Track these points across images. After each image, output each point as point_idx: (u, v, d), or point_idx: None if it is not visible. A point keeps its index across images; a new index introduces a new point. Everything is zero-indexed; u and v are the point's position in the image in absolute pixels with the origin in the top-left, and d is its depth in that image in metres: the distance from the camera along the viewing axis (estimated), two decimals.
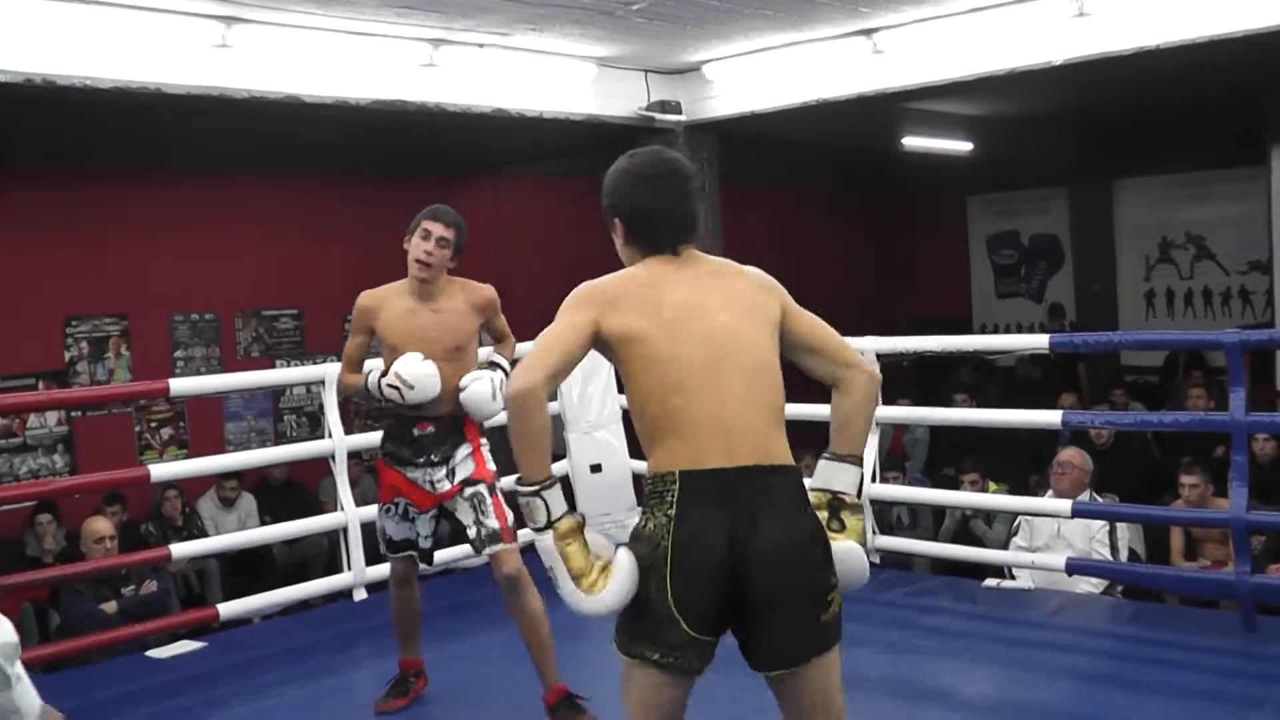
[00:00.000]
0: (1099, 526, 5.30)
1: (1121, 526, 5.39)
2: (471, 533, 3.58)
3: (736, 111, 7.33)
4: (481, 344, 3.86)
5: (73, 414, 8.06)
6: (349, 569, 5.04)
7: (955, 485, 6.91)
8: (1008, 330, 13.66)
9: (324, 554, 7.48)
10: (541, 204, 10.28)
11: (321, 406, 5.25)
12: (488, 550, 3.54)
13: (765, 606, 2.19)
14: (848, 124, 8.54)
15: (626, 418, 5.85)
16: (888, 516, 6.76)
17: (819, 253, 13.05)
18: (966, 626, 4.60)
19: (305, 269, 9.18)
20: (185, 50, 5.28)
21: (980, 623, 4.64)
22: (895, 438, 8.80)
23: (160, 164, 8.23)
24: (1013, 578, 5.22)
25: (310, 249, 9.20)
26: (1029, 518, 5.47)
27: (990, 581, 5.11)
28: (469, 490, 3.60)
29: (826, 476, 2.40)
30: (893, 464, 7.07)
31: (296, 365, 8.74)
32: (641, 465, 5.90)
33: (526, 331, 3.30)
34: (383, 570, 5.36)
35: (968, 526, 6.59)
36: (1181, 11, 5.58)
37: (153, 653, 4.58)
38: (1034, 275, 13.94)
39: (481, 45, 6.21)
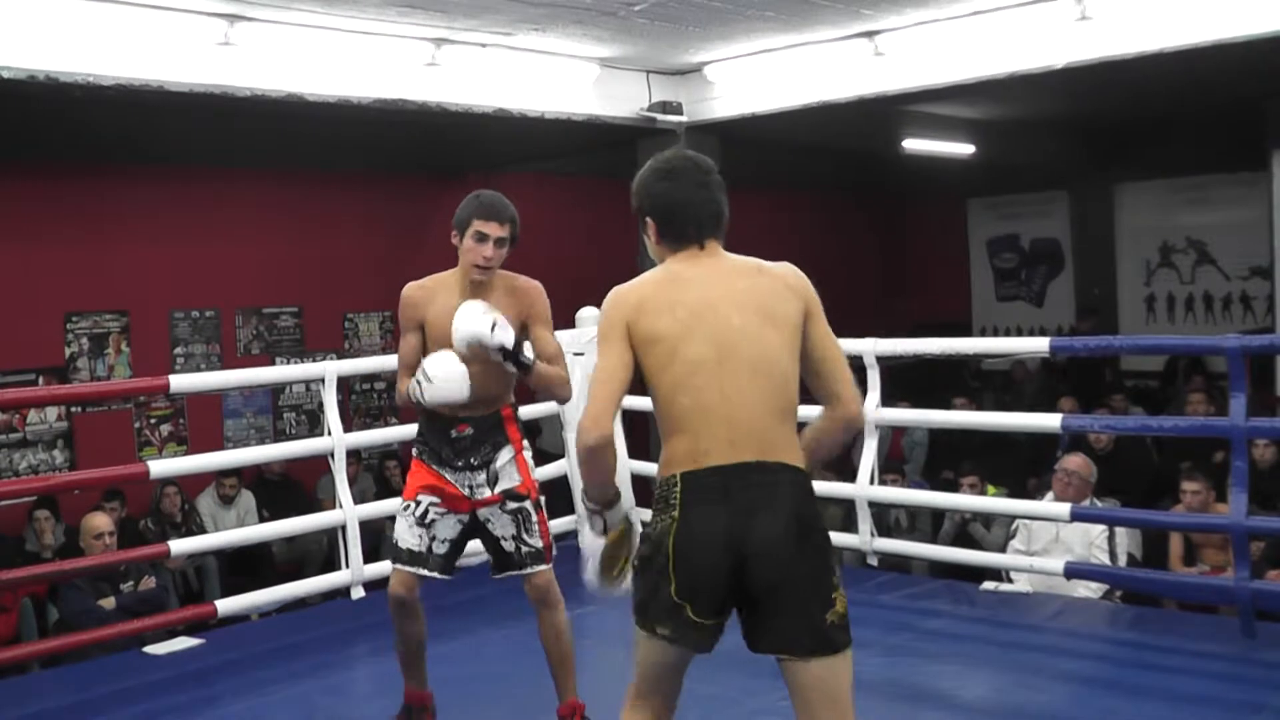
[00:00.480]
0: (1098, 531, 5.30)
1: (1120, 531, 5.39)
2: (509, 546, 3.36)
3: (738, 113, 7.34)
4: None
5: (72, 410, 8.06)
6: (347, 567, 5.04)
7: (954, 488, 6.91)
8: (1008, 333, 13.67)
9: (322, 551, 7.49)
10: (543, 204, 10.26)
11: (321, 404, 5.25)
12: (528, 570, 3.35)
13: (763, 595, 2.31)
14: (849, 126, 8.54)
15: (626, 417, 5.86)
16: (886, 519, 6.75)
17: (819, 255, 12.95)
18: (964, 630, 4.60)
19: (306, 267, 9.19)
20: (188, 48, 5.29)
21: (978, 626, 4.63)
22: (893, 441, 8.80)
23: (162, 161, 8.23)
24: (1010, 581, 5.22)
25: (311, 247, 9.20)
26: (1028, 521, 5.47)
27: (988, 585, 5.11)
28: (512, 504, 3.37)
29: None
30: (891, 467, 7.07)
31: (296, 363, 8.75)
32: (640, 465, 5.94)
33: None
34: (381, 568, 5.38)
35: (966, 530, 6.59)
36: (1183, 16, 5.58)
37: (150, 649, 4.58)
38: (1034, 279, 13.94)
39: (484, 45, 6.22)
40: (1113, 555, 5.30)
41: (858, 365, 5.17)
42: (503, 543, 3.36)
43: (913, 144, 9.89)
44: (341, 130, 7.51)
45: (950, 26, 6.17)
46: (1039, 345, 5.63)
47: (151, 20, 5.13)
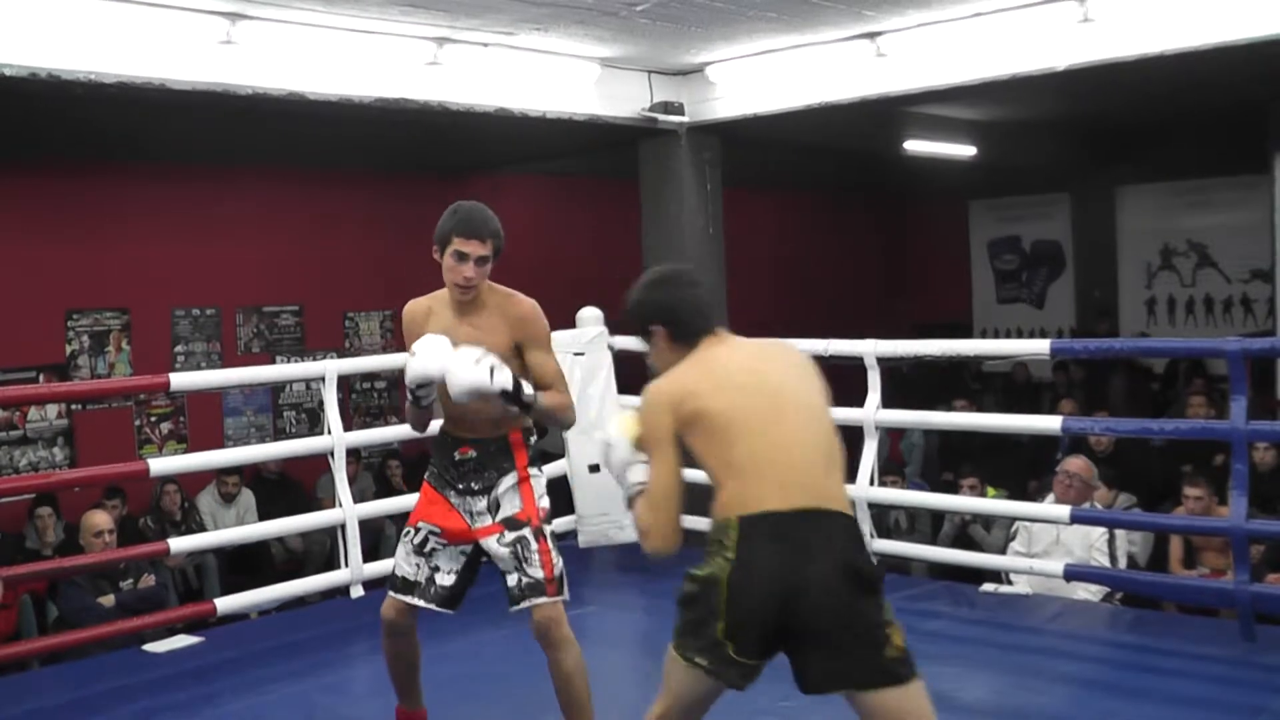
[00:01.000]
0: (1098, 533, 5.30)
1: (1120, 534, 5.39)
2: (511, 580, 3.14)
3: (739, 113, 7.33)
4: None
5: (73, 407, 8.06)
6: (346, 565, 5.04)
7: (954, 490, 6.91)
8: (1008, 335, 13.67)
9: (324, 549, 7.49)
10: (543, 204, 10.28)
11: (321, 403, 5.25)
12: (527, 603, 3.12)
13: (813, 639, 2.35)
14: (850, 127, 8.54)
15: None
16: (886, 520, 6.76)
17: (820, 256, 13.06)
18: (964, 631, 4.60)
19: (307, 266, 9.19)
20: (190, 46, 5.29)
21: (978, 628, 4.63)
22: (892, 443, 8.80)
23: (163, 159, 8.24)
24: (1010, 583, 5.21)
25: (312, 246, 9.20)
26: (1028, 523, 5.47)
27: (988, 586, 5.11)
28: (511, 534, 3.16)
29: None
30: (891, 468, 7.07)
31: (297, 361, 8.75)
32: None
33: None
34: (380, 567, 5.38)
35: (966, 531, 6.59)
36: (1186, 19, 5.58)
37: (149, 647, 4.57)
38: (1035, 281, 13.94)
39: (485, 45, 6.21)
40: (1113, 558, 5.29)
41: (858, 366, 5.17)
42: (506, 577, 3.17)
43: (914, 145, 9.89)
44: (343, 129, 7.51)
45: (952, 28, 6.17)
46: (1039, 347, 5.64)
47: (153, 18, 5.13)
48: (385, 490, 8.16)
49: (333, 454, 5.10)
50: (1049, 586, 5.09)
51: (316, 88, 5.78)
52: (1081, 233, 13.32)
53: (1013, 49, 6.10)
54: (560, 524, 5.59)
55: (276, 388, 9.11)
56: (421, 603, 3.23)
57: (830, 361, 5.34)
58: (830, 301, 12.38)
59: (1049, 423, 5.28)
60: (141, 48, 5.15)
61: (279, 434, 9.08)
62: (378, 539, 7.59)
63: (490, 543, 3.19)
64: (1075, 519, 4.85)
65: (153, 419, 8.53)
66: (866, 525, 5.20)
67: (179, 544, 5.10)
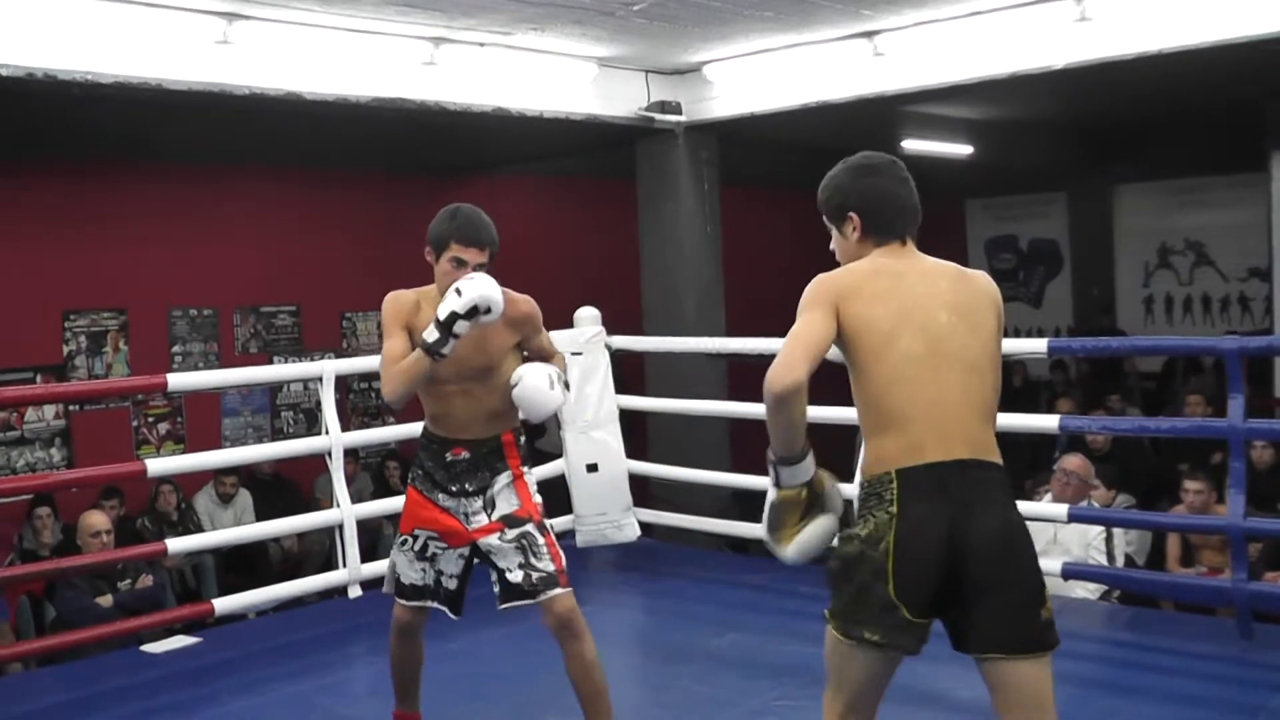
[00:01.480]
0: (1096, 532, 5.30)
1: (1118, 532, 5.39)
2: (515, 577, 3.11)
3: (736, 112, 7.34)
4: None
5: (70, 408, 8.05)
6: (344, 566, 5.03)
7: None
8: (1006, 334, 13.65)
9: (322, 549, 7.49)
10: (541, 204, 10.28)
11: (319, 403, 5.25)
12: (543, 596, 3.09)
13: (981, 592, 2.27)
14: (848, 126, 8.52)
15: (624, 417, 5.86)
16: None
17: (818, 254, 12.99)
18: None
19: (304, 266, 9.18)
20: (187, 46, 5.28)
21: None
22: None
23: (160, 159, 8.23)
24: None
25: (309, 246, 9.20)
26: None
27: None
28: (513, 531, 3.14)
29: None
30: None
31: (294, 362, 8.74)
32: (638, 465, 5.94)
33: None
34: (378, 567, 5.38)
35: None
36: (1183, 17, 5.58)
37: (147, 647, 4.57)
38: (1032, 280, 13.96)
39: (482, 44, 6.21)
40: (1110, 556, 5.30)
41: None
42: (508, 574, 3.12)
43: (911, 144, 9.89)
44: (340, 129, 7.51)
45: (949, 27, 6.17)
46: (1037, 346, 5.63)
47: (150, 18, 5.13)
48: (383, 490, 8.16)
49: (330, 454, 5.10)
50: (1047, 585, 5.08)
51: (313, 88, 5.78)
52: (1079, 232, 13.33)
53: (1010, 48, 6.11)
54: (558, 524, 5.59)
55: (274, 388, 9.11)
56: (434, 604, 3.23)
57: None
58: None
59: (1046, 421, 5.28)
60: (138, 48, 5.15)
61: (277, 434, 9.08)
62: (375, 539, 7.58)
63: (491, 541, 3.15)
64: (1073, 517, 4.85)
65: (150, 419, 8.53)
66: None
67: (177, 544, 5.10)
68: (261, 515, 7.46)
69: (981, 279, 2.52)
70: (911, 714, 3.78)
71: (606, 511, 5.62)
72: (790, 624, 4.65)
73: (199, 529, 7.34)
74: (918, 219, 2.52)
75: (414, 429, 6.78)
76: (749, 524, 6.34)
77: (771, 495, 2.45)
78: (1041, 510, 5.24)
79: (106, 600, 5.53)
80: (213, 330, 8.84)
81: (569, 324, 5.69)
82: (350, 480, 6.56)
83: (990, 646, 2.30)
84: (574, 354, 5.56)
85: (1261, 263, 10.65)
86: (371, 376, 9.56)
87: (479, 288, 2.96)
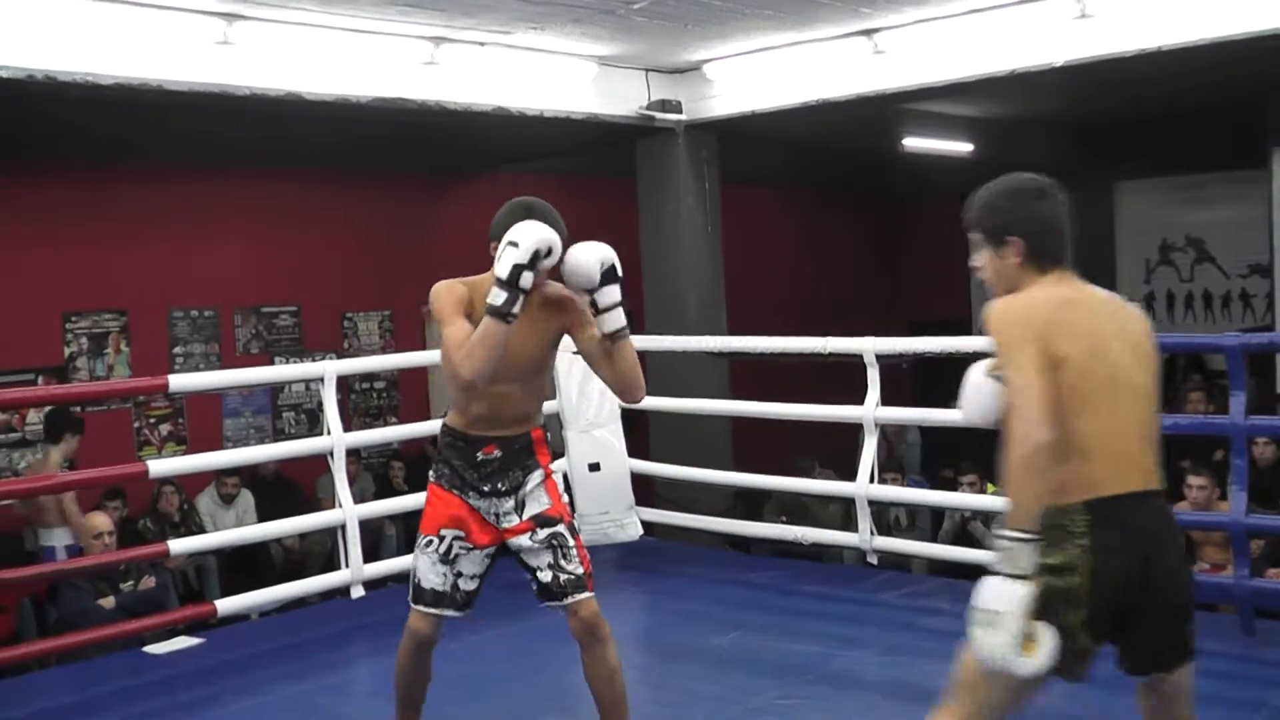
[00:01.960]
0: None
1: None
2: (545, 577, 3.05)
3: (737, 111, 7.33)
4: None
5: (72, 410, 8.04)
6: (346, 566, 5.04)
7: (954, 487, 6.91)
8: None
9: (324, 550, 7.48)
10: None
11: (320, 404, 5.25)
12: (570, 600, 3.04)
13: (1156, 619, 2.34)
14: (848, 124, 8.53)
15: (626, 416, 5.86)
16: (886, 518, 6.76)
17: (818, 252, 13.05)
18: (964, 628, 4.58)
19: (305, 266, 9.18)
20: (187, 47, 5.28)
21: None
22: (888, 448, 8.80)
23: (161, 160, 8.23)
24: None
25: (310, 246, 9.20)
26: None
27: None
28: (544, 531, 3.08)
29: None
30: (891, 465, 7.08)
31: (295, 362, 8.74)
32: (640, 464, 5.95)
33: None
34: (380, 568, 5.39)
35: (966, 528, 6.59)
36: (1183, 14, 5.58)
37: (150, 648, 4.58)
38: None
39: (482, 44, 6.21)
40: None
41: (857, 364, 5.17)
42: (539, 573, 3.07)
43: (912, 142, 9.89)
44: (340, 129, 7.50)
45: (949, 24, 6.17)
46: None
47: (150, 19, 5.13)
48: (386, 491, 8.16)
49: (332, 454, 5.10)
50: None
51: (314, 88, 5.78)
52: (1079, 228, 13.08)
53: (1010, 45, 6.11)
54: None
55: (275, 389, 9.11)
56: (451, 612, 3.14)
57: (829, 359, 5.36)
58: (829, 298, 12.39)
59: None
60: (138, 49, 5.15)
61: (278, 435, 9.08)
62: (378, 539, 7.59)
63: (521, 540, 3.09)
64: None
65: (152, 421, 8.53)
66: (867, 522, 5.21)
67: (179, 545, 5.10)
68: (264, 516, 7.46)
69: (1136, 309, 2.53)
70: (913, 712, 3.78)
71: (609, 510, 5.62)
72: (792, 623, 4.66)
73: (201, 530, 7.34)
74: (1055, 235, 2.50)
75: (415, 429, 6.84)
76: (751, 523, 6.36)
77: (1015, 591, 2.23)
78: None
79: (109, 602, 5.53)
80: (214, 331, 8.85)
81: None
82: (351, 481, 6.56)
83: (1166, 663, 2.41)
84: (575, 352, 5.55)
85: (1262, 259, 10.63)
86: (372, 377, 9.59)
87: (534, 231, 2.84)
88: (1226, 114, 9.71)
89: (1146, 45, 5.70)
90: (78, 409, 7.91)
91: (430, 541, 3.12)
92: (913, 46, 6.40)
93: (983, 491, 6.61)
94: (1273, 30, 5.36)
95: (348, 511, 5.04)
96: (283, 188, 9.06)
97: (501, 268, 2.84)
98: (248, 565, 7.35)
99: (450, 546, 3.11)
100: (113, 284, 8.26)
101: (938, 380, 11.25)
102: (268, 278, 9.05)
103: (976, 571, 5.66)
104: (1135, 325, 2.45)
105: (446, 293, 3.02)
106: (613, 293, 3.00)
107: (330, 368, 5.18)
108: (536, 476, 3.13)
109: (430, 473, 3.21)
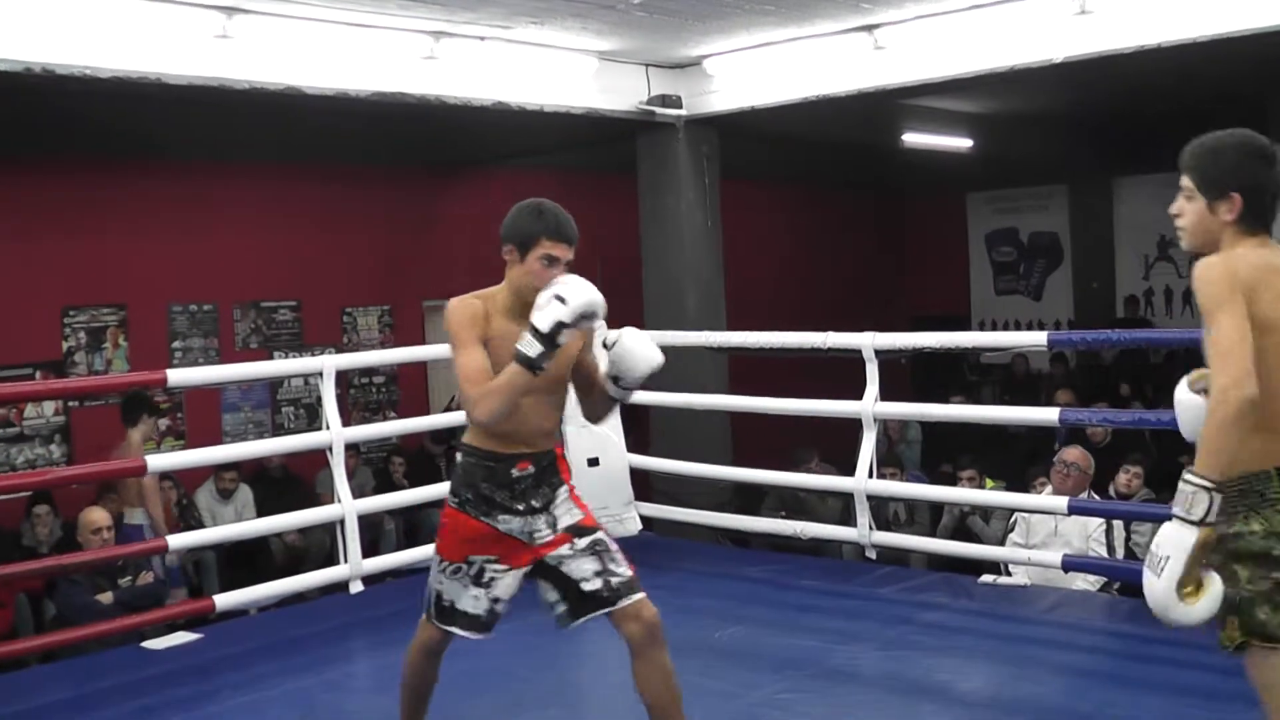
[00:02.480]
0: (1096, 524, 5.31)
1: (1118, 525, 5.40)
2: (593, 585, 2.94)
3: (737, 106, 7.33)
4: None
5: (70, 404, 8.05)
6: (345, 561, 5.03)
7: (953, 482, 6.91)
8: (1006, 327, 13.67)
9: (323, 546, 7.48)
10: (541, 197, 10.26)
11: (319, 398, 5.25)
12: (625, 602, 2.93)
13: None
14: (848, 120, 8.53)
15: (625, 411, 5.85)
16: (885, 512, 6.76)
17: (819, 248, 13.05)
18: (963, 623, 4.60)
19: (304, 261, 9.18)
20: (186, 40, 5.28)
21: (977, 619, 4.64)
22: (888, 445, 8.80)
23: (160, 154, 8.22)
24: (1009, 574, 5.22)
25: (309, 241, 9.20)
26: (1026, 515, 5.48)
27: (986, 578, 5.12)
28: (584, 539, 2.99)
29: None
30: (890, 460, 7.08)
31: (294, 357, 8.74)
32: (637, 459, 5.94)
33: None
34: (379, 563, 5.39)
35: (965, 523, 6.60)
36: (1183, 10, 5.58)
37: (148, 644, 4.57)
38: (1033, 273, 13.95)
39: (482, 38, 6.21)
40: (1110, 548, 5.30)
41: (856, 359, 5.17)
42: (583, 584, 2.95)
43: (912, 138, 9.89)
44: (340, 123, 7.50)
45: (949, 20, 6.17)
46: (1037, 339, 5.64)
47: (149, 13, 5.13)
48: (386, 485, 8.16)
49: (331, 449, 5.09)
50: (1047, 577, 5.10)
51: (313, 82, 5.77)
52: (1079, 225, 13.33)
53: (1010, 41, 6.11)
54: None
55: (274, 383, 9.11)
56: (478, 635, 3.03)
57: (828, 354, 5.36)
58: (828, 294, 12.38)
59: (1046, 414, 5.28)
60: (137, 42, 5.14)
61: (277, 430, 9.07)
62: (377, 534, 7.58)
63: (561, 551, 2.98)
64: (1073, 510, 4.85)
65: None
66: (865, 517, 5.21)
67: (178, 540, 5.10)
68: (270, 512, 7.44)
69: None
70: (912, 706, 3.79)
71: (608, 505, 5.62)
72: (791, 617, 4.66)
73: (200, 525, 7.33)
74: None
75: (414, 424, 6.81)
76: (750, 518, 6.36)
77: (1185, 537, 2.22)
78: (1042, 503, 5.25)
79: (107, 597, 5.52)
80: (213, 325, 8.84)
81: None
82: (351, 475, 6.56)
83: None
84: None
85: None
86: (372, 372, 9.58)
87: (584, 292, 2.78)
88: (1225, 110, 9.66)
89: (1146, 42, 5.70)
90: (75, 403, 7.92)
91: (459, 568, 2.99)
92: (913, 42, 6.39)
93: (981, 486, 6.62)
94: (1272, 27, 5.36)
95: (346, 506, 5.04)
96: (282, 182, 9.06)
97: (543, 320, 2.76)
98: (248, 561, 7.34)
99: (482, 570, 2.99)
100: (111, 278, 8.26)
101: (937, 376, 11.29)
102: (267, 272, 9.05)
103: (975, 566, 5.70)
104: None
105: (463, 315, 2.90)
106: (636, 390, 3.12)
107: (329, 362, 5.18)
108: (563, 492, 3.05)
109: (449, 498, 3.05)
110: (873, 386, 5.15)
